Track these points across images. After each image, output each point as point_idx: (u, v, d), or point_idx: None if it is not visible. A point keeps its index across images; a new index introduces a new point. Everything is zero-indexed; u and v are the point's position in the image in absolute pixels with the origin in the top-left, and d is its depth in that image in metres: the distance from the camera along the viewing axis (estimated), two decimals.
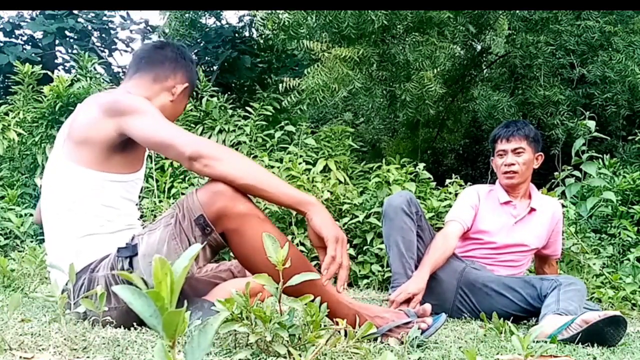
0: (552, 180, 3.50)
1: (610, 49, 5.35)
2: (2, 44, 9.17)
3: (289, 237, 3.32)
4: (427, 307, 1.61)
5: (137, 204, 1.79)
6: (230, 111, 4.98)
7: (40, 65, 5.07)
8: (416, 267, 2.28)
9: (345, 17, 4.67)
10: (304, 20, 4.97)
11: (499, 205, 2.51)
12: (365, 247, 3.42)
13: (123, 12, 10.06)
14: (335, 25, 4.86)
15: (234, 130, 4.77)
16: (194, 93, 5.20)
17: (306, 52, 5.30)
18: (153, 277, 0.59)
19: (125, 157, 1.62)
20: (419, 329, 1.49)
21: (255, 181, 1.46)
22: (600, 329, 1.77)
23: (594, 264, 3.08)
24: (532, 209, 2.50)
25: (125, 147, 1.59)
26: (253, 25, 7.90)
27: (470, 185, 3.86)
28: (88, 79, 4.84)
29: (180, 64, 1.82)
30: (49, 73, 5.06)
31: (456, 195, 3.67)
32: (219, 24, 8.35)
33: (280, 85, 5.12)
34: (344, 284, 1.47)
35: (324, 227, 1.46)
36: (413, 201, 2.32)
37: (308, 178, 3.70)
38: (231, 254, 1.62)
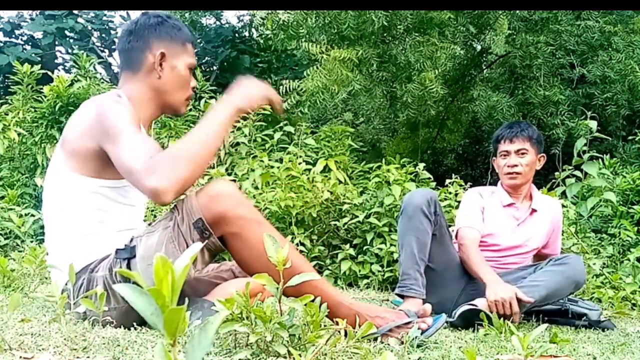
0: (553, 180, 3.50)
1: (610, 49, 5.35)
2: (2, 44, 9.17)
3: (289, 237, 3.32)
4: (427, 307, 1.61)
5: (144, 205, 1.78)
6: None
7: (39, 65, 5.07)
8: (425, 269, 2.25)
9: (345, 18, 4.67)
10: (304, 21, 4.97)
11: (502, 207, 2.51)
12: (365, 247, 3.42)
13: (123, 12, 10.06)
14: (335, 26, 4.86)
15: (233, 131, 4.76)
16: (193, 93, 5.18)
17: (305, 53, 5.30)
18: (154, 276, 0.59)
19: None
20: (419, 329, 1.49)
21: (199, 156, 1.45)
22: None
23: (594, 264, 3.08)
24: (534, 210, 2.50)
25: None
26: (252, 25, 7.90)
27: (470, 185, 3.86)
28: (87, 79, 4.83)
29: (147, 34, 1.67)
30: (49, 73, 5.06)
31: (456, 195, 3.66)
32: (218, 24, 8.34)
33: (281, 87, 5.11)
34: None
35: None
36: (433, 201, 2.27)
37: (308, 178, 3.70)
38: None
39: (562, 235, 3.26)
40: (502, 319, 1.89)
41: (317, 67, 4.77)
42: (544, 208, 2.53)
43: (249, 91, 1.57)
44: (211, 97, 5.06)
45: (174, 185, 1.40)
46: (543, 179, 5.11)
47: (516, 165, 2.44)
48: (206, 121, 1.51)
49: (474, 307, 2.02)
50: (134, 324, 1.47)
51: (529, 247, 2.48)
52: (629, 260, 3.30)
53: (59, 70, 9.78)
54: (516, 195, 2.52)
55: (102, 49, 9.79)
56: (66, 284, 1.57)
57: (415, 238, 2.22)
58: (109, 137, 1.49)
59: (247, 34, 8.35)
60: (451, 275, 2.34)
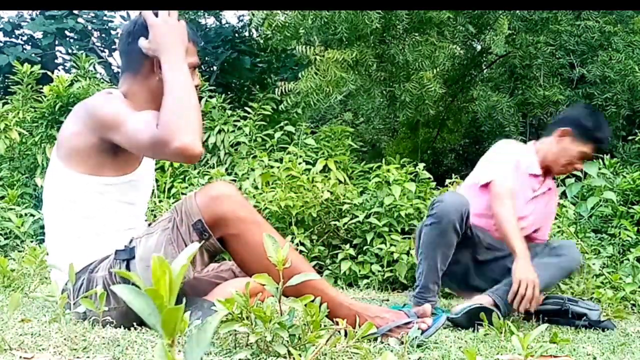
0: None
1: (610, 49, 5.35)
2: (2, 44, 9.18)
3: (289, 237, 3.32)
4: (427, 307, 1.61)
5: (144, 204, 1.78)
6: (229, 111, 4.98)
7: (39, 65, 5.07)
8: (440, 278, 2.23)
9: (339, 20, 4.68)
10: (302, 22, 4.97)
11: (527, 176, 2.37)
12: (365, 247, 3.42)
13: (123, 12, 10.06)
14: (331, 28, 4.86)
15: (233, 131, 4.77)
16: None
17: (302, 55, 5.29)
18: (152, 276, 0.59)
19: (116, 160, 1.59)
20: (419, 329, 1.49)
21: (193, 103, 1.48)
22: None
23: (594, 264, 3.08)
24: (550, 189, 2.43)
25: (116, 150, 1.56)
26: (252, 25, 7.91)
27: None
28: (87, 79, 4.84)
29: (146, 35, 1.61)
30: (49, 73, 5.06)
31: None
32: (218, 23, 8.35)
33: (277, 89, 5.11)
34: None
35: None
36: (466, 214, 2.19)
37: (308, 178, 3.70)
38: None
39: (562, 235, 3.26)
40: (520, 303, 1.97)
41: (311, 68, 4.77)
42: (553, 189, 2.47)
43: (171, 33, 1.56)
44: (211, 97, 5.06)
45: (196, 135, 1.44)
46: None
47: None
48: (170, 75, 1.52)
49: (480, 305, 2.01)
50: (134, 324, 1.47)
51: (534, 225, 2.41)
52: (628, 260, 3.30)
53: (59, 70, 9.78)
54: (543, 175, 2.40)
55: (102, 49, 9.79)
56: (66, 284, 1.57)
57: (441, 253, 2.17)
58: (110, 126, 1.50)
59: (247, 34, 8.35)
60: (464, 252, 2.30)
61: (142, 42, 1.59)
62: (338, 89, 4.74)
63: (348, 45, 4.90)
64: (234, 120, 4.88)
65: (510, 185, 2.24)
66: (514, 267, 2.06)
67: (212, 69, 7.93)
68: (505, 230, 2.16)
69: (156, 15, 1.59)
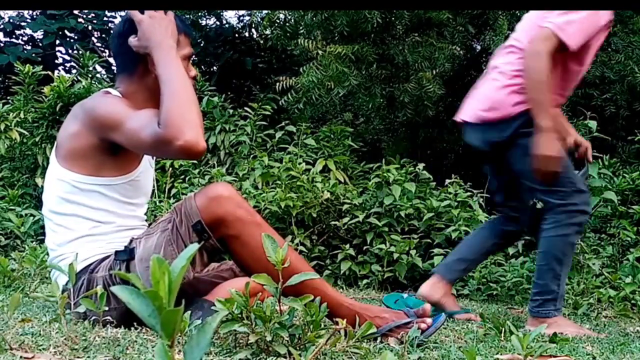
0: None
1: (609, 49, 5.35)
2: (2, 44, 9.18)
3: (289, 238, 3.32)
4: (427, 307, 1.61)
5: (144, 204, 1.78)
6: (230, 111, 4.98)
7: (41, 66, 5.08)
8: None
9: (339, 16, 4.68)
10: (301, 18, 4.97)
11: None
12: (365, 247, 3.42)
13: (123, 13, 10.06)
14: (332, 23, 4.86)
15: (234, 131, 4.77)
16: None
17: (303, 51, 5.28)
18: (151, 277, 0.59)
19: (116, 160, 1.59)
20: (418, 329, 1.49)
21: (190, 97, 1.48)
22: None
23: (594, 264, 3.08)
24: None
25: (116, 150, 1.56)
26: (252, 25, 7.90)
27: (470, 185, 3.84)
28: (89, 78, 4.84)
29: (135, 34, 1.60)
30: (49, 73, 5.07)
31: (456, 195, 3.65)
32: (218, 24, 8.35)
33: (277, 84, 5.11)
34: None
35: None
36: None
37: (308, 178, 3.70)
38: None
39: None
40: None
41: (313, 63, 4.76)
42: None
43: (159, 29, 1.56)
44: (212, 97, 5.06)
45: (198, 130, 1.43)
46: None
47: None
48: (165, 70, 1.51)
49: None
50: (134, 323, 1.47)
51: None
52: (628, 260, 3.30)
53: (59, 71, 9.78)
54: None
55: (102, 49, 9.79)
56: (66, 284, 1.58)
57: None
58: (109, 126, 1.50)
59: (247, 34, 8.35)
60: None
61: (132, 41, 1.59)
62: (340, 85, 4.74)
63: (349, 41, 4.89)
64: (235, 120, 4.88)
65: (553, 42, 1.85)
66: (536, 141, 1.86)
67: (212, 69, 7.93)
68: (534, 93, 1.85)
69: (142, 12, 1.58)
